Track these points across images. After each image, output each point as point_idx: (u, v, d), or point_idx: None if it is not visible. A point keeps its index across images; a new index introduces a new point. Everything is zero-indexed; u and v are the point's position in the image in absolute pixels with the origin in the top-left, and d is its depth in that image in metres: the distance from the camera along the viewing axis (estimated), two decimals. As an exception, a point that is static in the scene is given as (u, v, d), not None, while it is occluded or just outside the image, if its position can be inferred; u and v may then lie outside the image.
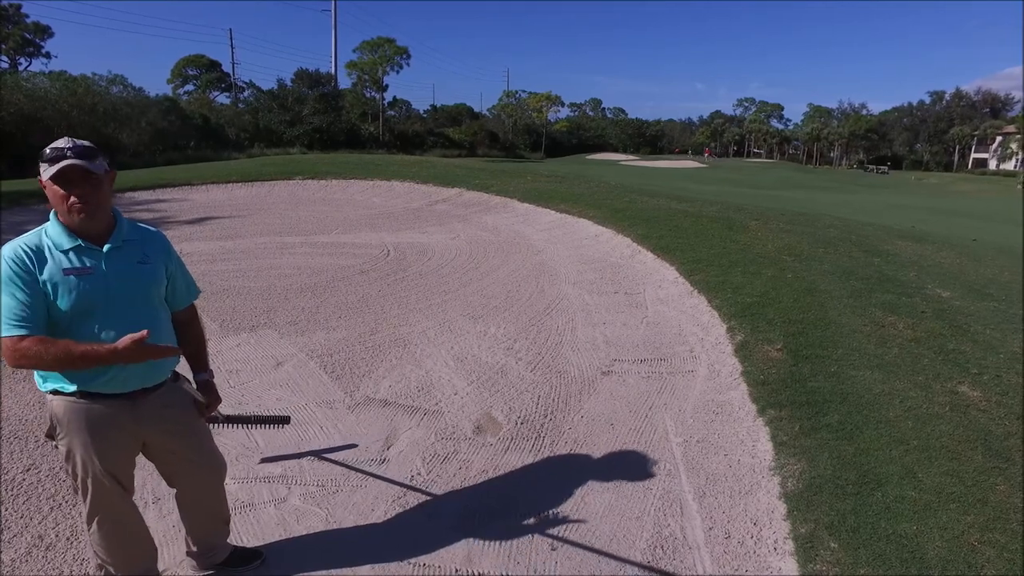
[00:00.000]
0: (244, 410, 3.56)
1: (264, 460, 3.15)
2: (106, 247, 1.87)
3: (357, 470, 3.08)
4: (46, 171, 1.75)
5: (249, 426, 3.18)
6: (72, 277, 1.79)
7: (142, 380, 1.94)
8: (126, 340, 1.70)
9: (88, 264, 1.83)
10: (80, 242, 1.83)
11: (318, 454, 3.22)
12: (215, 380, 2.31)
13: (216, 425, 2.76)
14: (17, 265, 1.74)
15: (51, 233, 1.82)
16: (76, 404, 1.87)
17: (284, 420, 3.13)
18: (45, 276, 1.77)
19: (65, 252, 1.81)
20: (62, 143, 1.77)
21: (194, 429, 2.18)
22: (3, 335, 1.70)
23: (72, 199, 1.77)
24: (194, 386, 2.20)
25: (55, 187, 1.76)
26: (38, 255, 1.78)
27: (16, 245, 1.78)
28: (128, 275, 1.90)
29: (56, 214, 1.84)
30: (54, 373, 1.84)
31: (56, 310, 1.78)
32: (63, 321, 1.79)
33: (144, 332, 1.71)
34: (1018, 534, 2.48)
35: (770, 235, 8.02)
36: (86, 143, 1.80)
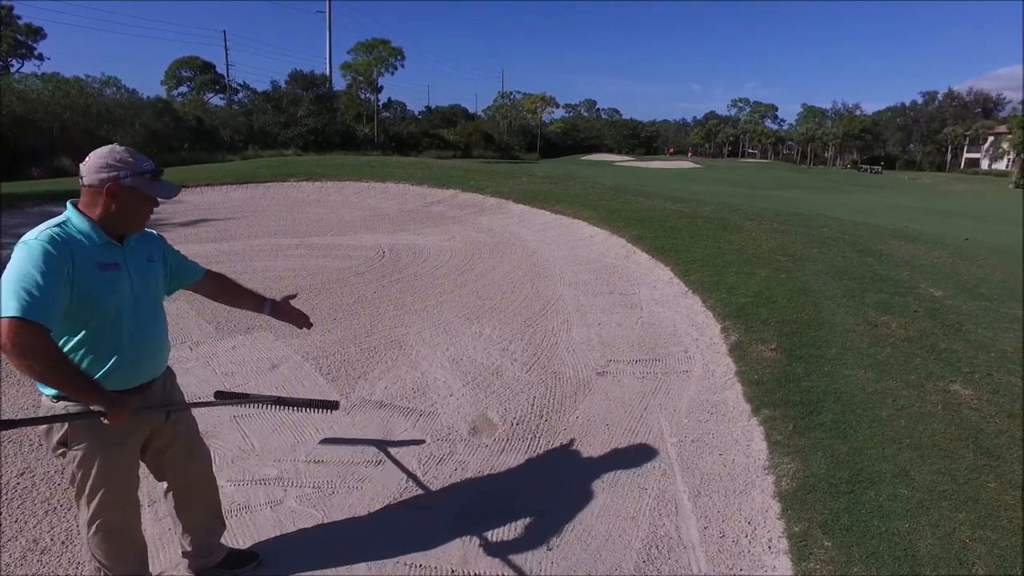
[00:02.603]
0: (239, 412, 3.57)
1: (325, 441, 3.32)
2: (124, 246, 1.92)
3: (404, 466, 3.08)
4: (151, 187, 1.86)
5: (297, 409, 3.14)
6: (109, 272, 1.83)
7: (151, 372, 2.03)
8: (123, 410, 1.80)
9: (116, 260, 1.87)
10: (110, 239, 1.86)
11: (382, 445, 3.32)
12: (214, 384, 2.36)
13: (258, 406, 2.83)
14: (54, 251, 1.69)
15: (80, 227, 1.81)
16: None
17: (333, 405, 3.08)
18: (79, 269, 1.74)
19: (97, 247, 1.82)
20: (146, 159, 1.87)
21: (188, 416, 2.25)
22: (14, 315, 1.60)
23: (149, 211, 1.92)
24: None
25: (147, 203, 1.89)
26: (74, 246, 1.76)
27: (52, 233, 1.73)
28: (144, 272, 1.98)
29: (76, 208, 1.83)
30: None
31: (92, 304, 1.79)
32: (97, 315, 1.81)
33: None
34: (1009, 531, 2.50)
35: (764, 235, 8.05)
36: None
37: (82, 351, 1.83)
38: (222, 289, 2.37)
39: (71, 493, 2.04)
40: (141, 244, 2.02)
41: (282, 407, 2.96)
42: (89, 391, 1.76)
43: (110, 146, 1.85)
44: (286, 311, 2.47)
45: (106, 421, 1.78)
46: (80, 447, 1.89)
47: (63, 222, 1.81)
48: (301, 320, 2.51)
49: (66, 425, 1.87)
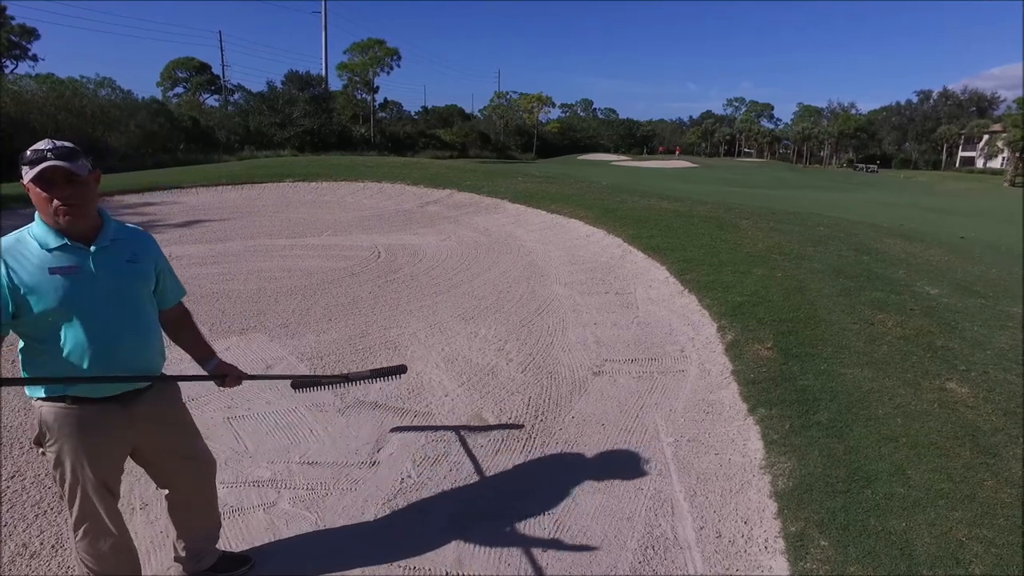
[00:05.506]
0: (232, 413, 3.55)
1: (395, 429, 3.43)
2: (93, 247, 1.85)
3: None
4: (27, 174, 1.73)
5: (369, 381, 3.08)
6: (57, 276, 1.77)
7: (131, 383, 1.95)
8: None
9: (74, 263, 1.81)
10: (66, 241, 1.81)
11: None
12: (208, 386, 2.35)
13: (321, 388, 2.98)
14: None
15: (36, 232, 1.81)
16: (67, 410, 1.85)
17: (401, 369, 3.16)
18: (24, 275, 1.74)
19: (51, 251, 1.79)
20: (43, 145, 1.75)
21: (187, 427, 2.20)
22: None
23: (56, 202, 1.75)
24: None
25: (37, 190, 1.75)
26: (18, 251, 1.76)
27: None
28: (117, 274, 1.90)
29: (39, 215, 1.82)
30: (44, 377, 1.82)
31: (38, 310, 1.76)
32: (46, 321, 1.78)
33: None
34: (1006, 529, 2.49)
35: (760, 234, 8.05)
36: (67, 144, 1.77)
37: (44, 356, 1.80)
38: (183, 326, 2.26)
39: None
40: (122, 244, 1.94)
41: (351, 383, 2.94)
42: None
43: None
44: (227, 367, 2.32)
45: None
46: (53, 446, 1.88)
47: (25, 228, 1.82)
48: (228, 375, 2.31)
49: (38, 424, 1.86)
